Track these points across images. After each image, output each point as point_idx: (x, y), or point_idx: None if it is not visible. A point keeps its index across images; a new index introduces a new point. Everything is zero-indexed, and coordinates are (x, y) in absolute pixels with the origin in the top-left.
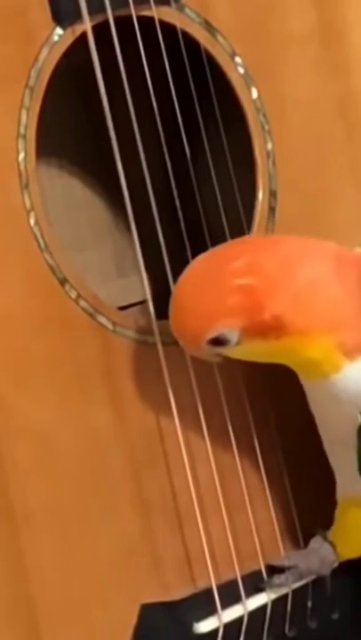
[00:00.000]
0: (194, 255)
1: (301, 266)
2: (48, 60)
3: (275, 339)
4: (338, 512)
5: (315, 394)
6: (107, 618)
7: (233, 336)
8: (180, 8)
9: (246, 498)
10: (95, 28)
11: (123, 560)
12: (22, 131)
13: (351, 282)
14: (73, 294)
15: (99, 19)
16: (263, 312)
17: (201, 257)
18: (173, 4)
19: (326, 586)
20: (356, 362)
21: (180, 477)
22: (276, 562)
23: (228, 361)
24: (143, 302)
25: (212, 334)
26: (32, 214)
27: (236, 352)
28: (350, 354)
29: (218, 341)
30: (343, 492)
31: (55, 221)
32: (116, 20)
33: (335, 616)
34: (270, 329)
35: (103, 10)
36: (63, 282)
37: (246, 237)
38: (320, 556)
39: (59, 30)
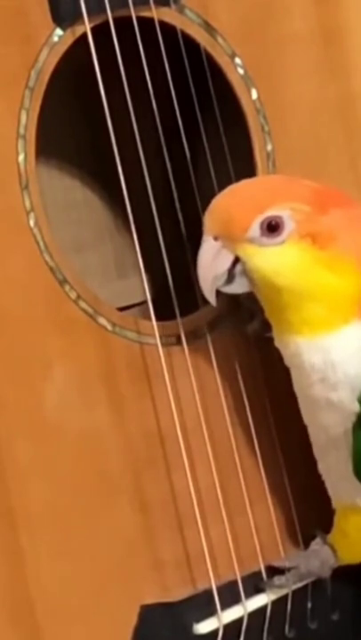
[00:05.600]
0: (194, 255)
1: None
2: (48, 61)
3: (320, 248)
4: (336, 518)
5: (307, 371)
6: (107, 618)
7: (289, 223)
8: (180, 9)
9: (246, 499)
10: (95, 29)
11: (123, 561)
12: (22, 131)
13: None
14: (73, 295)
15: (99, 19)
16: (325, 214)
17: None
18: (173, 5)
19: (326, 587)
20: None
21: (180, 478)
22: (276, 563)
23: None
24: (143, 303)
25: (274, 211)
26: (32, 215)
27: (272, 257)
28: None
29: (271, 226)
30: (337, 499)
31: (55, 222)
32: (116, 20)
33: (335, 617)
34: (321, 235)
35: (103, 11)
36: (63, 283)
37: None
38: (321, 558)
39: (59, 31)
